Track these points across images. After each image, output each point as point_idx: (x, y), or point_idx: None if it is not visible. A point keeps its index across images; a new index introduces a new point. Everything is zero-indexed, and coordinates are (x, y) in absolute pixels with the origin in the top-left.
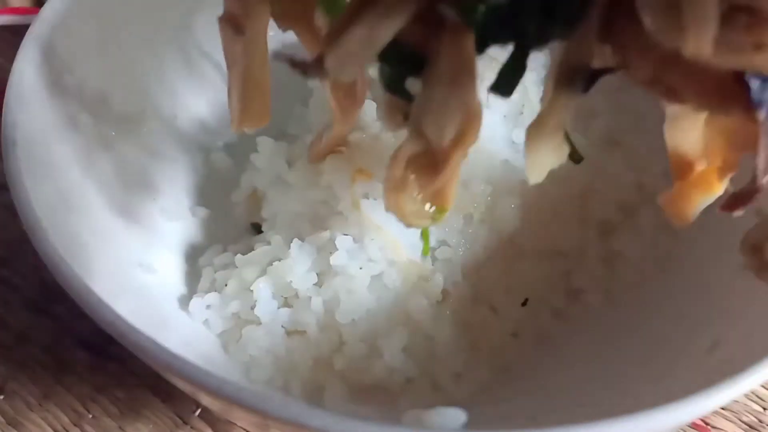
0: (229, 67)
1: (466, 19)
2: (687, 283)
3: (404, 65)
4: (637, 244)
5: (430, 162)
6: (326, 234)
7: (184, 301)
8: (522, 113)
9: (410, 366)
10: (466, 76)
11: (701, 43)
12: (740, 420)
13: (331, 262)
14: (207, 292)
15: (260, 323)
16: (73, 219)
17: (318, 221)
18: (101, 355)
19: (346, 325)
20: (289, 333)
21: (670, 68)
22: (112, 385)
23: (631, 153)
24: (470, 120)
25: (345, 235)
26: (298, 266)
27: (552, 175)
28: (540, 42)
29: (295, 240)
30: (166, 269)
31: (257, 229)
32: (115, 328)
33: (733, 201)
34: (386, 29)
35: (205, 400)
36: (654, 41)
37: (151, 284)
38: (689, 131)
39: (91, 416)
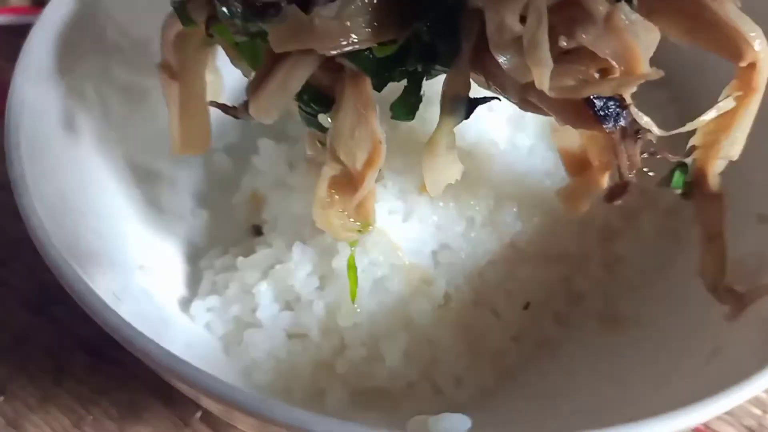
0: (167, 104)
1: (361, 66)
2: (687, 290)
3: (317, 104)
4: (638, 250)
5: (349, 182)
6: (328, 237)
7: (186, 304)
8: (524, 117)
9: (412, 370)
10: (368, 111)
11: (542, 79)
12: (741, 424)
13: (333, 266)
14: (208, 294)
15: (261, 326)
16: (75, 221)
17: None
18: (101, 357)
19: (347, 328)
20: (290, 336)
21: (532, 92)
22: (112, 388)
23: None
24: (376, 146)
25: None
26: (299, 270)
27: (554, 181)
28: (428, 76)
29: (297, 243)
30: (167, 272)
31: (258, 231)
32: (118, 331)
33: (611, 194)
34: (296, 79)
35: (207, 403)
36: None
37: (152, 287)
38: (571, 137)
39: (91, 418)
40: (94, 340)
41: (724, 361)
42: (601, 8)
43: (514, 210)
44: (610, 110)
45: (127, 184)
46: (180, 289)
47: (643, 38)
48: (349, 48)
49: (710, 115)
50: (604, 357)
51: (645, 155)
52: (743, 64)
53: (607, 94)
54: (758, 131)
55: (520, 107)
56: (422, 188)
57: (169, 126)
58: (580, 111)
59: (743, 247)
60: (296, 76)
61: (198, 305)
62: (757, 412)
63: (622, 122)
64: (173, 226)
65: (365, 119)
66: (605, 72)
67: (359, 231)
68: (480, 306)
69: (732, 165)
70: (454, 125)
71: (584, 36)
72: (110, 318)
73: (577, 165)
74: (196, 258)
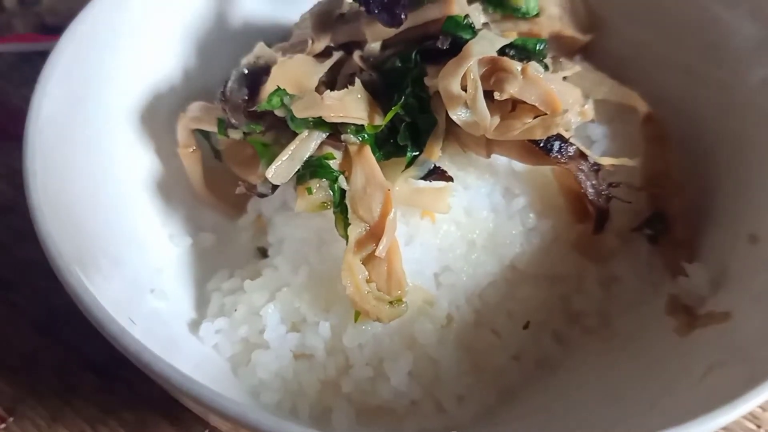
0: (190, 173)
1: (362, 139)
2: None
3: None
4: (633, 270)
5: (371, 236)
6: (332, 261)
7: (195, 326)
8: None
9: (415, 388)
10: (374, 171)
11: (485, 126)
12: None
13: (338, 291)
14: (216, 316)
15: (269, 347)
16: (90, 247)
17: (323, 247)
18: (109, 377)
19: (352, 349)
20: (297, 357)
21: (494, 147)
22: (121, 408)
23: (628, 179)
24: (386, 195)
25: None
26: (305, 292)
27: (552, 203)
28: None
29: (303, 266)
30: (176, 294)
31: (263, 253)
32: (138, 357)
33: (596, 224)
34: (303, 152)
35: (216, 422)
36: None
37: (162, 309)
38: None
39: None
40: (102, 361)
41: (718, 378)
42: (518, 66)
43: (513, 233)
44: (553, 145)
45: (139, 211)
46: (189, 311)
47: (560, 87)
48: (346, 120)
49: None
50: (601, 374)
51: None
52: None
53: (541, 135)
54: (752, 155)
55: (486, 157)
56: (424, 213)
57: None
58: (533, 151)
59: (731, 266)
60: (303, 149)
61: (207, 327)
62: (752, 426)
63: (570, 152)
64: (181, 250)
65: (372, 176)
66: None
67: (390, 304)
68: (481, 326)
69: (727, 185)
70: (412, 176)
71: (511, 90)
72: (129, 343)
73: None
74: (203, 281)
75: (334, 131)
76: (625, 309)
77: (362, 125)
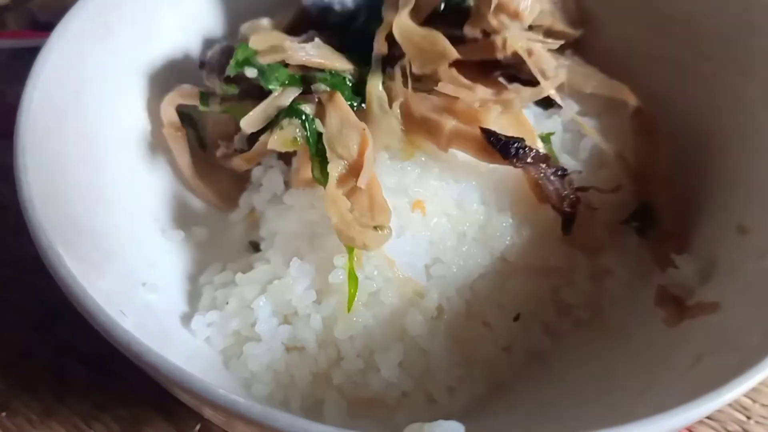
0: (177, 154)
1: (330, 86)
2: None
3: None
4: (623, 261)
5: (352, 171)
6: (324, 253)
7: (186, 319)
8: None
9: (406, 380)
10: (347, 113)
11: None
12: (725, 429)
13: (330, 281)
14: (208, 310)
15: (260, 340)
16: (82, 241)
17: (316, 240)
18: (102, 372)
19: (344, 341)
20: (288, 349)
21: (453, 143)
22: (114, 403)
23: (618, 172)
24: (362, 133)
25: (342, 254)
26: (297, 285)
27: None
28: None
29: (294, 259)
30: (168, 288)
31: (255, 247)
32: (128, 347)
33: (564, 225)
34: (276, 103)
35: (209, 414)
36: None
37: (154, 303)
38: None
39: None
40: (95, 356)
41: (708, 367)
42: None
43: (503, 225)
44: (510, 148)
45: (132, 205)
46: (181, 304)
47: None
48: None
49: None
50: (591, 365)
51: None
52: None
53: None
54: (739, 147)
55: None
56: (415, 205)
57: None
58: (489, 151)
59: (719, 257)
60: (284, 99)
61: (198, 320)
62: (741, 417)
63: (528, 158)
64: (173, 244)
65: (347, 118)
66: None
67: (375, 229)
68: (472, 318)
69: (715, 176)
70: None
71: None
72: (120, 335)
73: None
74: (195, 274)
75: (307, 88)
76: (615, 300)
77: (331, 74)
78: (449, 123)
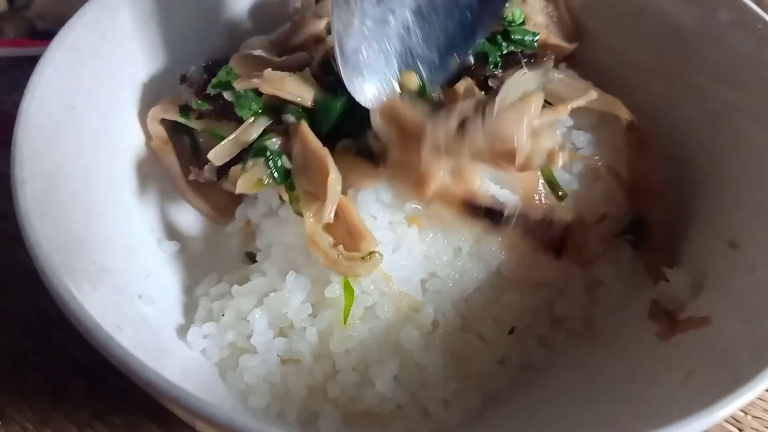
0: (168, 164)
1: (297, 117)
2: None
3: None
4: (617, 274)
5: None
6: (320, 266)
7: (182, 331)
8: None
9: (401, 393)
10: (310, 143)
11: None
12: None
13: (326, 294)
14: (204, 321)
15: (256, 352)
16: (78, 253)
17: (312, 254)
18: (98, 381)
19: (339, 354)
20: (284, 361)
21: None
22: (109, 411)
23: (612, 186)
24: (322, 164)
25: None
26: (293, 297)
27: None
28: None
29: (291, 272)
30: (164, 299)
31: (251, 258)
32: (124, 365)
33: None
34: (246, 136)
35: (202, 427)
36: None
37: (150, 315)
38: None
39: None
40: (91, 365)
41: (699, 382)
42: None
43: (498, 239)
44: (494, 215)
45: (127, 217)
46: (177, 316)
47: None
48: (281, 94)
49: None
50: (584, 378)
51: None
52: None
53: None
54: (731, 162)
55: None
56: (411, 220)
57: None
58: (475, 212)
59: (711, 271)
60: (252, 132)
61: (194, 332)
62: (734, 430)
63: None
64: (169, 255)
65: (308, 147)
66: None
67: (363, 259)
68: (467, 331)
69: (707, 191)
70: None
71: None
72: (116, 351)
73: None
74: (192, 286)
75: (278, 119)
76: (609, 313)
77: (302, 106)
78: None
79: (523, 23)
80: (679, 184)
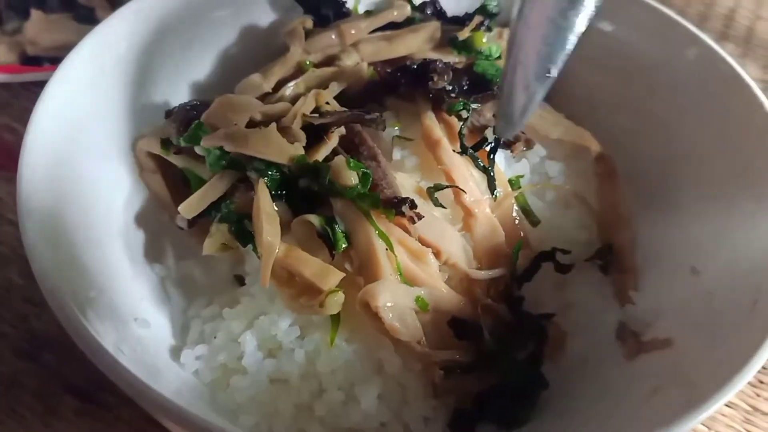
0: (156, 193)
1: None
2: None
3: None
4: (587, 296)
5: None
6: None
7: (176, 352)
8: None
9: (384, 411)
10: (261, 203)
11: None
12: None
13: (313, 317)
14: (196, 343)
15: (247, 373)
16: (81, 280)
17: None
18: (89, 401)
19: (326, 374)
20: (273, 381)
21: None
22: (101, 430)
23: (582, 213)
24: (269, 222)
25: None
26: (281, 321)
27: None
28: None
29: (279, 295)
30: (157, 322)
31: (240, 281)
32: (131, 386)
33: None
34: (213, 191)
35: None
36: None
37: (145, 337)
38: None
39: None
40: (82, 384)
41: (660, 401)
42: None
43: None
44: None
45: (124, 242)
46: (170, 338)
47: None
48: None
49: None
50: (555, 394)
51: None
52: None
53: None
54: (693, 193)
55: None
56: None
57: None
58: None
59: (674, 296)
60: (214, 192)
61: (187, 354)
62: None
63: None
64: (162, 279)
65: (259, 209)
66: None
67: (322, 305)
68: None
69: (671, 220)
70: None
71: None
72: (120, 372)
73: None
74: (184, 308)
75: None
76: (579, 333)
77: (267, 163)
78: None
79: (499, 57)
80: (644, 212)
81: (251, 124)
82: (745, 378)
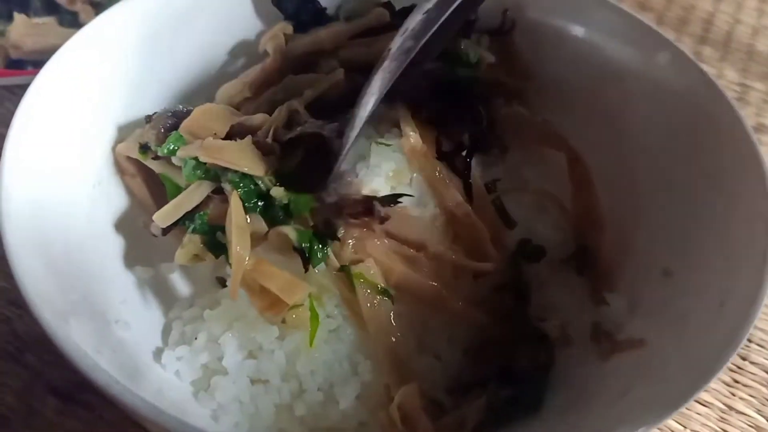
0: (138, 194)
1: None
2: None
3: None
4: (563, 297)
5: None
6: None
7: (158, 353)
8: None
9: (362, 411)
10: (234, 216)
11: None
12: None
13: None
14: (177, 344)
15: (227, 373)
16: (61, 283)
17: None
18: (71, 401)
19: (305, 375)
20: (253, 382)
21: None
22: (82, 431)
23: (557, 216)
24: (242, 234)
25: None
26: (261, 322)
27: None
28: None
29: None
30: (139, 324)
31: (222, 283)
32: (107, 389)
33: None
34: (188, 202)
35: None
36: None
37: (126, 339)
38: None
39: None
40: (64, 386)
41: (632, 401)
42: None
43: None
44: None
45: (104, 245)
46: (151, 340)
47: None
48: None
49: None
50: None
51: None
52: None
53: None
54: (665, 193)
55: None
56: None
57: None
58: None
59: (646, 297)
60: (190, 203)
61: (169, 355)
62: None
63: None
64: (143, 281)
65: (231, 222)
66: None
67: (284, 322)
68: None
69: (644, 223)
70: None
71: None
72: (99, 376)
73: None
74: (165, 310)
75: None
76: (555, 334)
77: (242, 175)
78: None
79: (477, 63)
80: (618, 215)
81: (229, 135)
82: (711, 377)
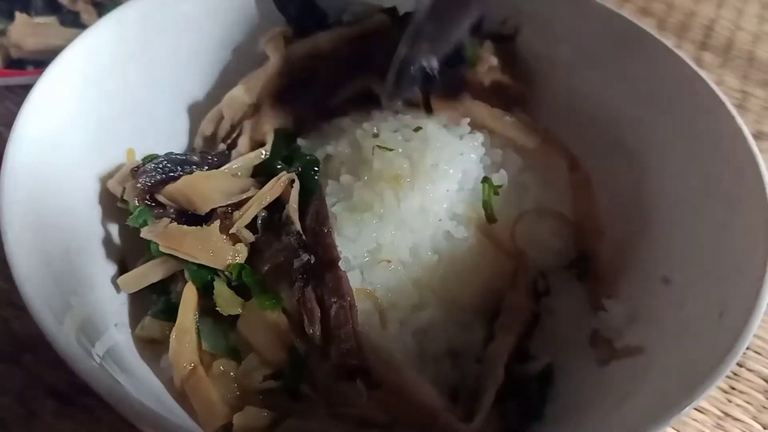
0: None
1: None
2: None
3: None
4: (563, 303)
5: None
6: None
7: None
8: (462, 189)
9: None
10: (182, 313)
11: None
12: None
13: None
14: None
15: None
16: (61, 288)
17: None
18: (70, 404)
19: None
20: None
21: None
22: None
23: (558, 223)
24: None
25: None
26: None
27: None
28: None
29: None
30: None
31: None
32: (110, 393)
33: None
34: (152, 275)
35: None
36: None
37: (124, 342)
38: None
39: None
40: (63, 388)
41: (629, 408)
42: None
43: (456, 271)
44: None
45: (103, 249)
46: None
47: None
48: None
49: None
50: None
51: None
52: None
53: None
54: (665, 201)
55: None
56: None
57: None
58: None
59: (645, 304)
60: (155, 272)
61: (166, 359)
62: None
63: None
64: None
65: (178, 321)
66: None
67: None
68: (424, 358)
69: (643, 231)
70: None
71: None
72: (100, 379)
73: None
74: None
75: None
76: (554, 340)
77: (201, 266)
78: None
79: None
80: (618, 222)
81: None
82: (709, 386)
